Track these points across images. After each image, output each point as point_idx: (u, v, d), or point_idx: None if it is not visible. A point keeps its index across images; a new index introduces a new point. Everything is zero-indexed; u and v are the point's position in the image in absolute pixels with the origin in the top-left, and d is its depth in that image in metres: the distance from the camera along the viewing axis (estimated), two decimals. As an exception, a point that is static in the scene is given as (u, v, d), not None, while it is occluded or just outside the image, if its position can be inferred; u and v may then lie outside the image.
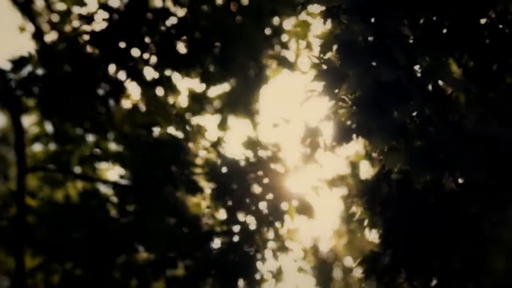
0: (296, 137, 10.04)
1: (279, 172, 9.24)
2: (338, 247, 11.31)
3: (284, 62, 11.47)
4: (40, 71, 9.37)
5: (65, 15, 10.75)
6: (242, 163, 9.04)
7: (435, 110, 8.50)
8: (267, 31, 11.30)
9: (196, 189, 9.13)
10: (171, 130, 9.91)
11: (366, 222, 9.35)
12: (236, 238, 9.16)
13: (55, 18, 10.81)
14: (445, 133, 8.27)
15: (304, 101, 10.16)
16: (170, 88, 10.14)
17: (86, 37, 9.80)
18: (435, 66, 7.91)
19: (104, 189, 9.76)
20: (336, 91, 8.29)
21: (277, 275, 9.36)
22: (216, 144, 9.42)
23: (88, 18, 9.88)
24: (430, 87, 8.67)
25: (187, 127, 10.81)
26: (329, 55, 8.64)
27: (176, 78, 10.25)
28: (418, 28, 8.06)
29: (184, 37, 9.85)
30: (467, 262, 8.39)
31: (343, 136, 9.02)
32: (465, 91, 8.31)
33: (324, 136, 9.71)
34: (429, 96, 8.43)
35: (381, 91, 8.39)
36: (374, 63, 7.99)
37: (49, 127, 11.47)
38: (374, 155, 9.44)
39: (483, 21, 8.18)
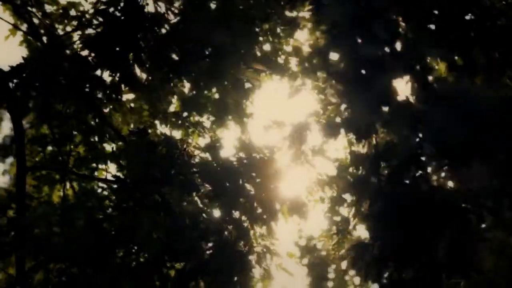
0: (286, 138, 10.00)
1: (271, 172, 9.20)
2: (328, 247, 11.24)
3: (274, 67, 11.42)
4: (36, 74, 9.26)
5: (60, 19, 10.68)
6: (236, 164, 9.00)
7: (414, 78, 8.48)
8: (258, 36, 11.26)
9: (191, 189, 9.05)
10: (167, 131, 9.91)
11: (353, 213, 9.28)
12: (230, 237, 9.10)
13: (50, 21, 10.74)
14: (423, 97, 8.25)
15: (292, 95, 10.16)
16: (164, 91, 10.11)
17: (81, 41, 9.71)
18: (417, 39, 7.88)
19: (101, 188, 9.65)
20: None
21: (268, 274, 9.30)
22: (210, 145, 9.37)
23: (83, 22, 9.83)
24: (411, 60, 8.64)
25: (183, 128, 10.79)
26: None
27: (169, 82, 10.20)
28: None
29: (176, 43, 9.79)
30: (454, 254, 8.34)
31: (331, 131, 9.00)
32: (445, 60, 8.28)
33: (313, 131, 9.64)
34: (409, 66, 8.41)
35: (364, 66, 8.37)
36: (358, 41, 7.99)
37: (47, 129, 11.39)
38: (361, 149, 9.40)
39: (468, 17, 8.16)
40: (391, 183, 8.73)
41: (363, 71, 8.63)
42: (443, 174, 8.90)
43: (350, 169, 10.00)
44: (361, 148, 9.23)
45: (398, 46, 8.83)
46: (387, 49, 8.63)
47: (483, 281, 10.07)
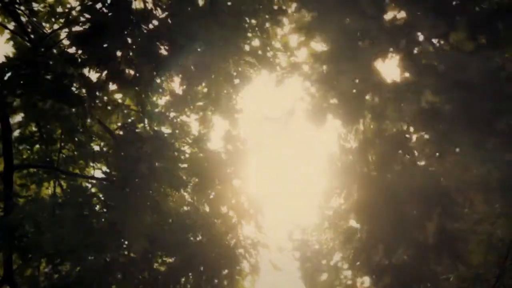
0: (276, 133, 9.82)
1: (258, 165, 9.06)
2: (320, 241, 11.10)
3: (263, 61, 11.27)
4: (22, 68, 9.04)
5: (47, 17, 10.48)
6: (223, 157, 8.83)
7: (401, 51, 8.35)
8: (247, 31, 11.10)
9: (179, 184, 8.88)
10: (155, 127, 9.70)
11: (342, 197, 9.12)
12: (218, 231, 8.95)
13: (37, 19, 10.53)
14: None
15: (279, 81, 9.99)
16: (152, 87, 9.90)
17: (68, 38, 9.49)
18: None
19: (90, 184, 9.47)
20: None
21: (256, 268, 9.15)
22: (198, 140, 9.19)
23: (70, 20, 9.61)
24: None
25: (171, 124, 10.59)
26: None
27: (158, 78, 9.99)
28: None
29: (165, 39, 9.57)
30: (441, 237, 8.24)
31: (318, 117, 8.83)
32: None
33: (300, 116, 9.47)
34: (396, 36, 8.27)
35: (351, 40, 8.23)
36: (347, 18, 7.86)
37: (34, 127, 11.20)
38: (348, 137, 9.25)
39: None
40: (379, 169, 8.60)
41: (350, 51, 8.50)
42: (432, 161, 8.79)
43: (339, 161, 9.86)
44: (349, 136, 9.10)
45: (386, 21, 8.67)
46: (374, 24, 8.48)
47: (472, 275, 9.98)
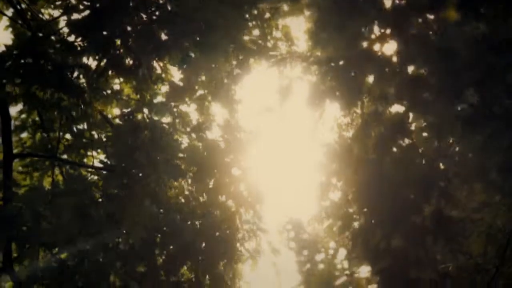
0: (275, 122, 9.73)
1: (257, 154, 8.97)
2: (318, 231, 11.00)
3: (263, 50, 11.16)
4: (21, 57, 8.95)
5: (47, 4, 10.36)
6: (222, 146, 8.75)
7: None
8: (248, 19, 10.99)
9: (177, 173, 8.79)
10: (153, 115, 9.60)
11: (340, 181, 9.03)
12: (215, 220, 8.88)
13: (36, 6, 10.42)
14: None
15: (277, 63, 9.89)
16: (151, 75, 9.79)
17: (67, 26, 9.39)
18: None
19: (89, 173, 9.39)
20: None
21: (255, 255, 9.08)
22: (197, 129, 9.09)
23: (69, 7, 9.50)
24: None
25: (171, 113, 10.49)
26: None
27: (157, 66, 9.89)
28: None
29: (165, 24, 9.45)
30: (439, 220, 8.18)
31: (316, 100, 8.72)
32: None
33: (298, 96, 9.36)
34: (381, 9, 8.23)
35: (339, 7, 8.17)
36: None
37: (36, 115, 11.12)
38: (346, 119, 9.15)
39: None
40: (377, 153, 8.52)
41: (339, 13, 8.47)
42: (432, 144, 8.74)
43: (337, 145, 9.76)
44: (347, 119, 9.02)
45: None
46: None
47: (472, 265, 9.90)
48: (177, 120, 10.88)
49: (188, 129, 9.04)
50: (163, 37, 9.61)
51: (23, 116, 11.33)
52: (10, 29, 10.64)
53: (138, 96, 10.09)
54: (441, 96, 8.28)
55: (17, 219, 8.58)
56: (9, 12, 10.74)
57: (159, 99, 10.60)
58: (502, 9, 8.20)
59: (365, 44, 8.69)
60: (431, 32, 8.39)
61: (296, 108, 9.85)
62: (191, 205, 8.65)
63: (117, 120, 9.38)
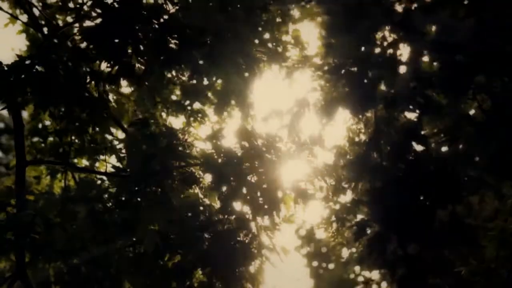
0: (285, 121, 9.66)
1: (274, 161, 8.86)
2: (328, 236, 10.94)
3: (274, 55, 11.13)
4: (34, 66, 8.88)
5: (59, 10, 10.32)
6: (238, 153, 8.66)
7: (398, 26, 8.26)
8: (258, 25, 10.95)
9: (192, 181, 8.72)
10: (168, 119, 9.54)
11: (352, 189, 8.98)
12: (231, 227, 8.78)
13: (50, 12, 10.38)
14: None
15: (289, 73, 9.82)
16: (162, 83, 9.74)
17: (79, 33, 9.32)
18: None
19: (100, 180, 9.32)
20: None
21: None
22: (212, 135, 9.01)
23: (82, 14, 9.45)
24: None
25: (184, 115, 10.43)
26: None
27: (169, 70, 9.81)
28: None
29: (175, 33, 9.39)
30: (453, 226, 8.15)
31: (328, 108, 8.66)
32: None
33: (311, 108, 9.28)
34: (390, 14, 8.20)
35: (350, 12, 8.14)
36: None
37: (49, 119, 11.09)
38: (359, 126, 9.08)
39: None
40: (391, 160, 8.46)
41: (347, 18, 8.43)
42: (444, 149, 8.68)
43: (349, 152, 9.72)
44: (359, 126, 8.96)
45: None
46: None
47: (484, 270, 9.84)
48: (192, 119, 10.85)
49: (203, 134, 8.96)
50: (173, 46, 9.56)
51: (35, 120, 11.32)
52: (24, 35, 10.62)
53: (150, 102, 10.03)
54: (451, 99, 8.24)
55: (30, 227, 8.50)
56: (24, 17, 10.73)
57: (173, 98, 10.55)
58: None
59: (377, 50, 8.65)
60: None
61: (308, 114, 9.79)
62: (207, 212, 8.56)
63: (129, 125, 9.31)
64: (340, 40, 8.62)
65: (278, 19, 11.38)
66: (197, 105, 11.09)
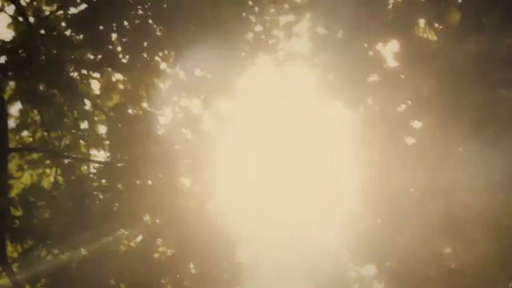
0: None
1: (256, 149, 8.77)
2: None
3: (264, 46, 11.00)
4: (17, 50, 8.82)
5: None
6: (218, 139, 8.57)
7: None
8: (247, 17, 10.82)
9: (173, 167, 8.61)
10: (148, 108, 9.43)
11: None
12: (215, 216, 8.67)
13: (38, 2, 10.30)
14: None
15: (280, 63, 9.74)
16: (147, 71, 9.63)
17: (64, 20, 9.27)
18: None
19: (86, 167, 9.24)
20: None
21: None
22: (194, 122, 8.93)
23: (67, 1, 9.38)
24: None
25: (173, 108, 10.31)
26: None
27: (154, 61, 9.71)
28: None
29: (160, 22, 9.31)
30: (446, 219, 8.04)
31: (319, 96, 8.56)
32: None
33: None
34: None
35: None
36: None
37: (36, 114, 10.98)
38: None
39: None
40: (382, 153, 8.35)
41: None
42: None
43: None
44: (350, 120, 8.86)
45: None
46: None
47: (477, 266, 9.67)
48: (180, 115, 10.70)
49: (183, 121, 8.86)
50: (159, 32, 9.47)
51: (23, 114, 11.21)
52: (13, 27, 10.56)
53: (133, 89, 9.91)
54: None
55: (9, 211, 8.40)
56: (11, 9, 10.65)
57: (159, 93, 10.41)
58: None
59: (367, 45, 8.54)
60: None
61: (299, 105, 9.73)
62: (186, 197, 8.44)
63: (109, 110, 9.22)
64: (330, 36, 8.54)
65: (272, 10, 11.22)
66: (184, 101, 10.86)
